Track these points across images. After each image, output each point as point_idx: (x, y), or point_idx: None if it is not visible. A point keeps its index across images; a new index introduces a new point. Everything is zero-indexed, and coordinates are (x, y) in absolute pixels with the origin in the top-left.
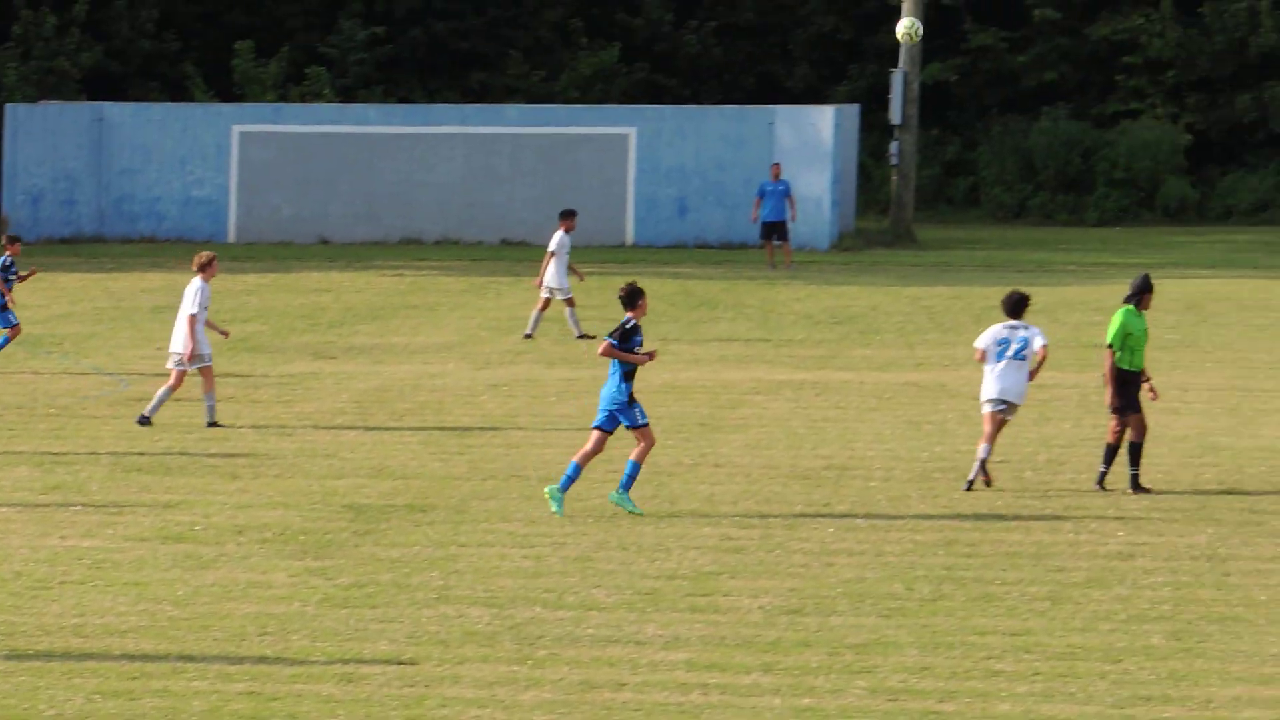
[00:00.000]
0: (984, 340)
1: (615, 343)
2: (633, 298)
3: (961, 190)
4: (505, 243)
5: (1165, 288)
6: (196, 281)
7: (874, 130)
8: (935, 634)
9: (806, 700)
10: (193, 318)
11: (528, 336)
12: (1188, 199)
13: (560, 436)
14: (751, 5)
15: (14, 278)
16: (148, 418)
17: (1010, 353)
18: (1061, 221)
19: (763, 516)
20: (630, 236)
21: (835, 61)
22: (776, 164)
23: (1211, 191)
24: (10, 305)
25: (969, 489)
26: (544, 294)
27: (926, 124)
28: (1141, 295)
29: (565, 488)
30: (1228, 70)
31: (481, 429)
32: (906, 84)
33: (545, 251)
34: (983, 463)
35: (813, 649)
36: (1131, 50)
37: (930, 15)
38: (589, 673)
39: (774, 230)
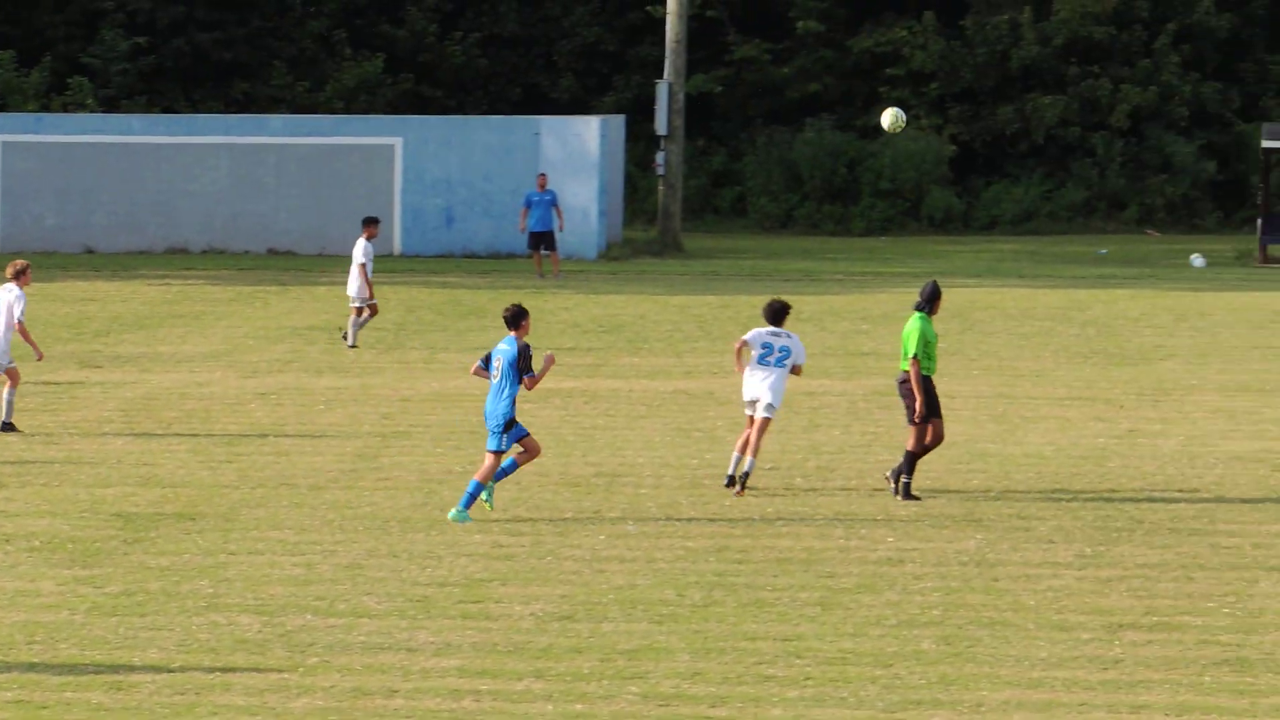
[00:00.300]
0: (751, 336)
1: (533, 373)
2: (517, 319)
3: (728, 200)
4: (272, 252)
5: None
6: (15, 289)
7: (640, 141)
8: (707, 639)
9: (579, 706)
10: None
11: (352, 347)
12: (953, 209)
13: (328, 444)
14: (516, 17)
15: None
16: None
17: (772, 359)
18: (828, 231)
19: (533, 523)
20: (397, 246)
21: (600, 73)
22: (543, 174)
23: (976, 202)
24: None
25: (730, 485)
26: (356, 304)
27: (692, 135)
28: (933, 302)
29: (488, 497)
30: (990, 82)
31: (249, 437)
32: (671, 95)
33: (351, 262)
34: (738, 466)
35: (584, 655)
36: (895, 62)
37: (694, 27)
38: (360, 680)
39: (541, 240)
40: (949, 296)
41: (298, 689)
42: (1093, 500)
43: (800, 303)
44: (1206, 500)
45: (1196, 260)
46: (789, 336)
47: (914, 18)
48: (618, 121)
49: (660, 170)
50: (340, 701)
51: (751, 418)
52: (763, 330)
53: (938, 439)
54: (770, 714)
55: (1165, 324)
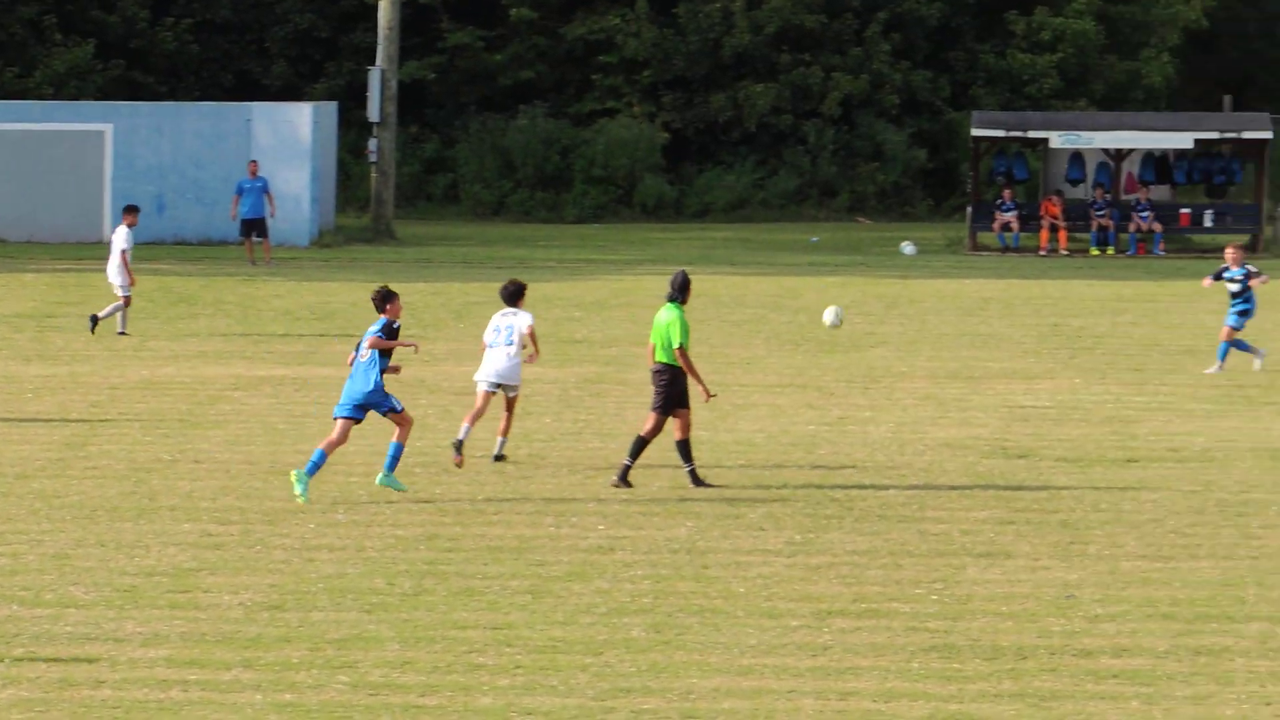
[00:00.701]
0: (487, 330)
1: (383, 335)
2: (384, 299)
3: (441, 187)
4: None
5: (645, 284)
6: None
7: (353, 128)
8: (417, 628)
9: (288, 695)
10: None
11: (121, 334)
12: (665, 196)
13: (35, 432)
14: (228, 3)
15: None
16: None
17: (503, 339)
18: (541, 219)
19: (242, 512)
20: (108, 233)
21: (313, 59)
22: (254, 161)
23: (689, 189)
24: None
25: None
26: (122, 292)
27: (405, 121)
28: (684, 291)
29: (311, 473)
30: (703, 70)
31: None
32: (384, 82)
33: (112, 249)
34: (460, 443)
35: (293, 644)
36: (608, 50)
37: (407, 14)
38: (67, 670)
39: (253, 227)
40: (657, 284)
41: (2, 680)
42: (803, 487)
43: None
44: (915, 487)
45: (907, 248)
46: (516, 314)
47: (627, 5)
48: (330, 108)
49: (373, 158)
50: (46, 692)
51: (487, 393)
52: (496, 316)
53: (687, 426)
54: (480, 703)
55: (876, 311)
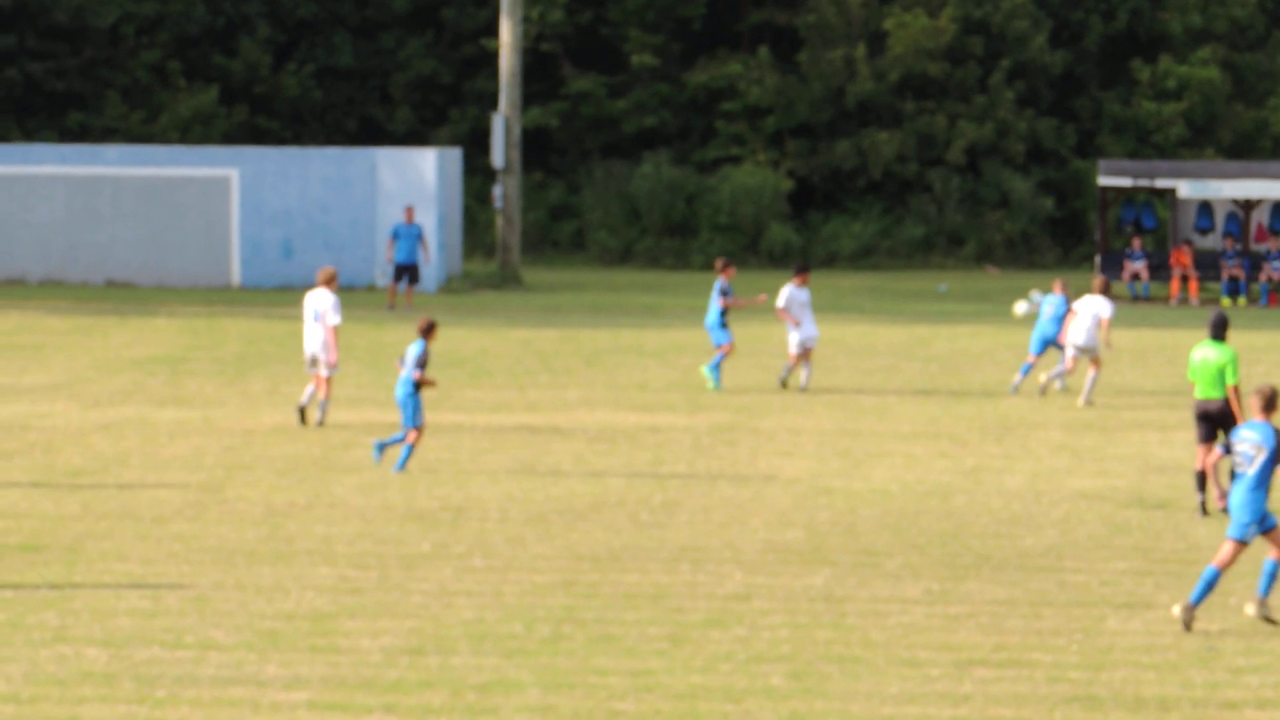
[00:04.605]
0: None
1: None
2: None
3: (567, 234)
4: (110, 283)
5: (772, 332)
6: None
7: (477, 174)
8: (557, 674)
9: None
10: None
11: None
12: (791, 244)
13: (173, 476)
14: (350, 49)
15: None
16: None
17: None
18: (667, 266)
19: (380, 557)
20: (236, 278)
21: (436, 105)
22: (410, 207)
23: (815, 237)
24: None
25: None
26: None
27: (529, 168)
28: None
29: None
30: (826, 118)
31: (93, 469)
32: (508, 128)
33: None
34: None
35: (434, 689)
36: (731, 97)
37: (529, 61)
38: (210, 713)
39: (406, 271)
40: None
41: None
42: (939, 536)
43: (644, 338)
44: (1053, 537)
45: (1036, 297)
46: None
47: (749, 53)
48: (454, 154)
49: (498, 204)
50: None
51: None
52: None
53: None
54: None
55: (1007, 360)
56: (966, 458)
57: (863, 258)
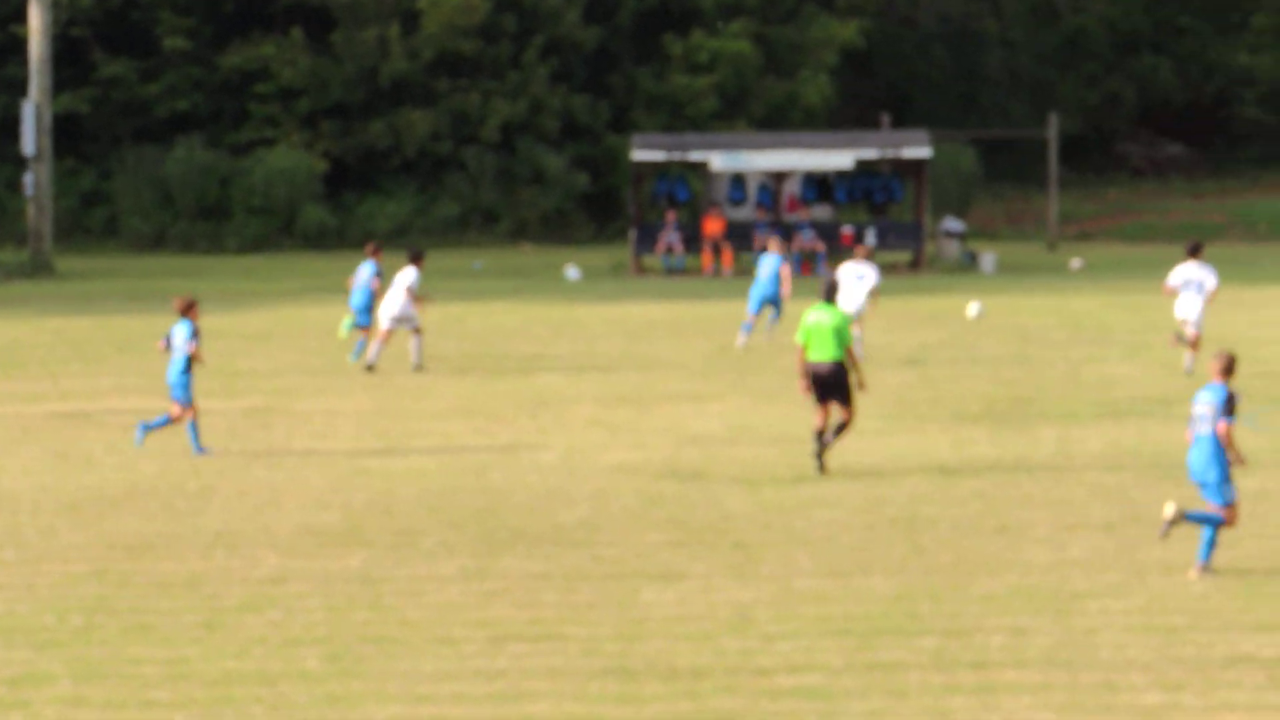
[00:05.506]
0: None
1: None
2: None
3: (100, 221)
4: None
5: (309, 314)
6: None
7: (7, 162)
8: (90, 665)
9: None
10: None
11: None
12: (326, 225)
13: None
14: None
15: None
16: None
17: None
18: (203, 250)
19: None
20: None
21: None
22: None
23: (350, 217)
24: None
25: None
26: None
27: (61, 155)
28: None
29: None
30: (360, 98)
31: None
32: (38, 115)
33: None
34: None
35: None
36: (264, 79)
37: (59, 46)
38: None
39: None
40: (321, 314)
41: None
42: (475, 513)
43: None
44: (588, 511)
45: (571, 272)
46: None
47: (281, 34)
48: None
49: (29, 191)
50: None
51: None
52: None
53: None
54: None
55: (543, 336)
56: (503, 434)
57: (398, 237)
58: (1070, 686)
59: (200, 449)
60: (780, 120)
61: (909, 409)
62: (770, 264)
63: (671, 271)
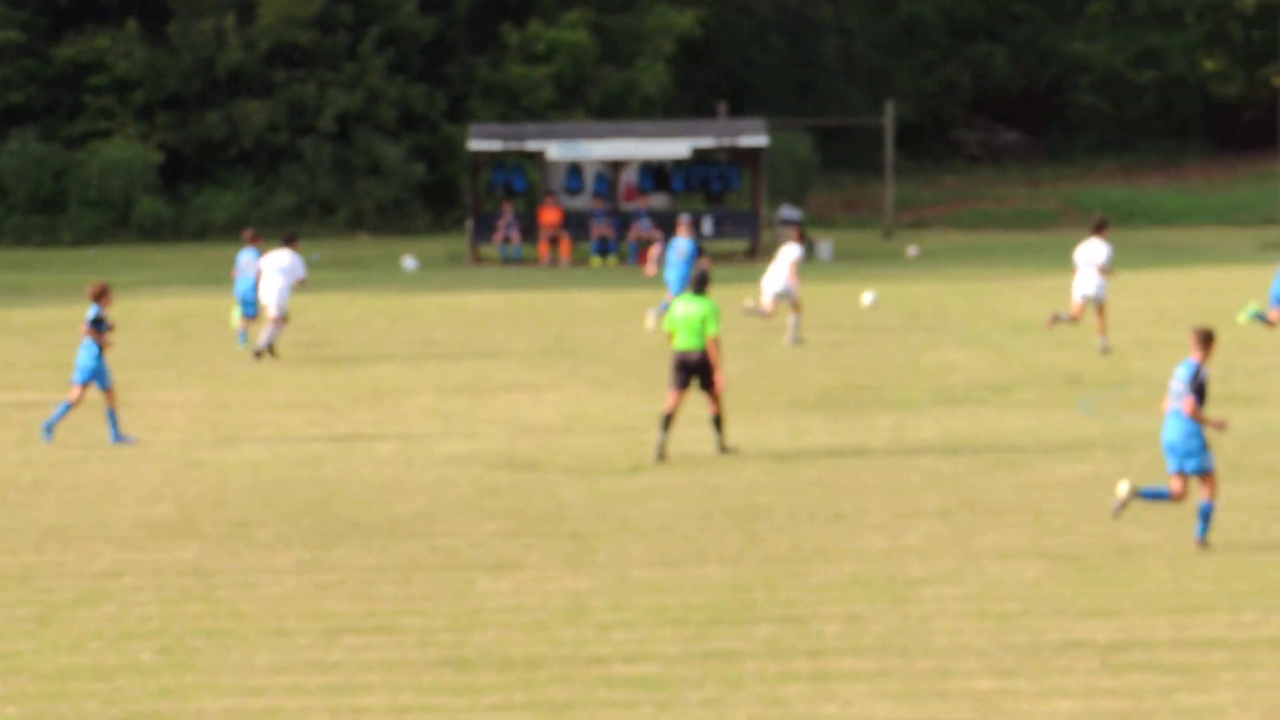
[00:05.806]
0: None
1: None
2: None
3: None
4: None
5: (145, 307)
6: None
7: None
8: None
9: None
10: None
11: None
12: (162, 217)
13: None
14: None
15: None
16: None
17: None
18: (36, 243)
19: None
20: None
21: None
22: None
23: (187, 209)
24: None
25: None
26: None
27: None
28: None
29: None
30: (197, 89)
31: None
32: None
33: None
34: None
35: None
36: (99, 71)
37: None
38: None
39: None
40: (162, 305)
41: None
42: (310, 505)
43: (11, 317)
44: (424, 502)
45: (408, 263)
46: None
47: (117, 26)
48: None
49: None
50: None
51: None
52: None
53: None
54: None
55: (380, 327)
56: (339, 425)
57: (235, 228)
58: (905, 673)
59: (118, 438)
60: (618, 109)
61: (745, 397)
62: (683, 247)
63: (508, 261)
